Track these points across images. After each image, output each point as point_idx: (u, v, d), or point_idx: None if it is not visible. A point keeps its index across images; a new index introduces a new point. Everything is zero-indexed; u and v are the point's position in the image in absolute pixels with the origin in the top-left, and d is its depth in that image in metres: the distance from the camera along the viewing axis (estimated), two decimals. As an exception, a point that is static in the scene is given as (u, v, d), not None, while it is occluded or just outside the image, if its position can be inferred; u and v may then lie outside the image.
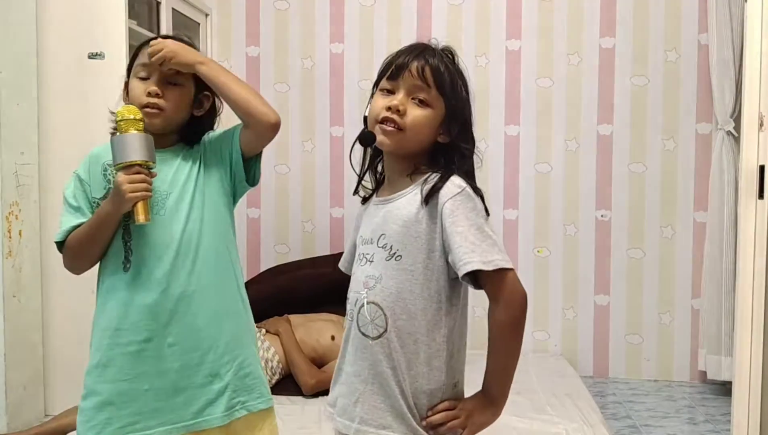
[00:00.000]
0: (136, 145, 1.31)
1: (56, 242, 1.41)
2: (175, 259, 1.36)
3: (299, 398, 2.57)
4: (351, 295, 1.24)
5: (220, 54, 3.63)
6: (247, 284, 3.20)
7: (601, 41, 3.41)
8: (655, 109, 3.38)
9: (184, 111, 1.43)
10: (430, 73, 1.18)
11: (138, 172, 1.31)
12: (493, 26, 3.47)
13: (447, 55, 1.23)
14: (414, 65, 1.18)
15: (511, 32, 3.47)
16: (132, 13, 2.75)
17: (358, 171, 1.29)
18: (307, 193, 3.63)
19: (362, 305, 1.19)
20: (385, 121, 1.17)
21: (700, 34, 3.32)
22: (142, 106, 1.35)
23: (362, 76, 3.55)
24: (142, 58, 1.40)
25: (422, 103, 1.18)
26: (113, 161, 1.33)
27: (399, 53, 1.22)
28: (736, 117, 3.14)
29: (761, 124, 2.01)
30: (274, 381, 2.64)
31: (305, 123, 3.61)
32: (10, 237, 2.49)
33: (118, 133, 1.32)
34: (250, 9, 3.62)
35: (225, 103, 1.43)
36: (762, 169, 2.01)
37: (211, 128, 1.51)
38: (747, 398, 2.04)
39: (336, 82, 3.58)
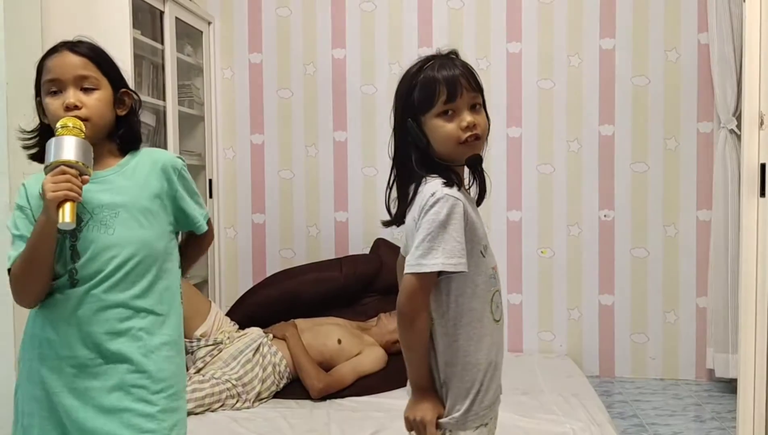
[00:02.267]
0: (65, 146, 1.25)
1: (8, 271, 1.35)
2: (122, 278, 1.33)
3: (307, 402, 2.59)
4: (496, 294, 1.34)
5: (222, 62, 3.66)
6: (254, 289, 3.27)
7: (601, 42, 3.43)
8: (656, 108, 3.40)
9: (107, 114, 1.37)
10: (474, 81, 1.31)
11: (63, 172, 1.24)
12: (494, 29, 3.49)
13: (458, 57, 1.35)
14: (463, 81, 1.28)
15: (511, 35, 3.49)
16: (136, 22, 2.78)
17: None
18: (311, 198, 3.65)
19: (498, 294, 1.35)
20: (468, 139, 1.29)
21: (700, 33, 3.33)
22: None
23: (364, 80, 3.57)
24: (48, 73, 1.35)
25: (479, 108, 1.32)
26: (44, 164, 1.27)
27: (435, 72, 1.29)
28: (739, 115, 3.16)
29: (761, 123, 2.02)
30: (282, 385, 2.66)
31: (308, 128, 3.63)
32: (18, 246, 2.51)
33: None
34: (252, 16, 3.65)
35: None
36: (763, 167, 2.02)
37: (138, 125, 1.44)
38: (752, 395, 2.05)
39: (338, 87, 3.60)
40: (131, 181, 1.38)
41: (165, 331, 1.39)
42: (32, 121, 2.52)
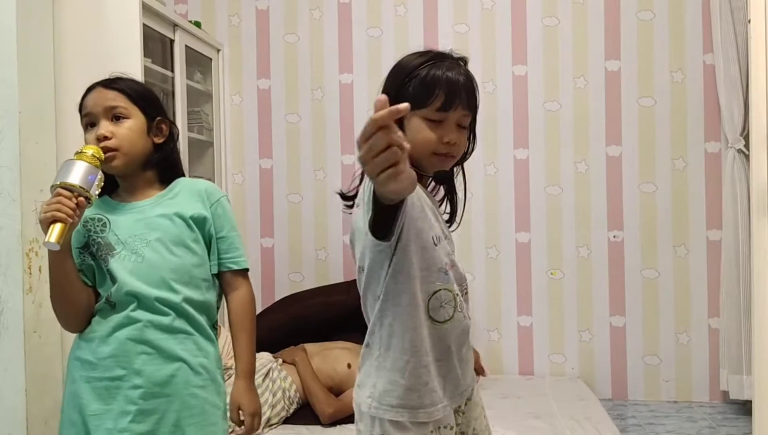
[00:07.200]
0: (69, 170, 1.29)
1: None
2: (151, 303, 1.37)
3: (317, 427, 2.57)
4: (455, 286, 1.24)
5: (231, 88, 3.70)
6: (263, 314, 3.27)
7: (606, 64, 3.45)
8: (663, 129, 3.40)
9: (140, 142, 1.42)
10: (473, 99, 1.25)
11: (58, 194, 1.28)
12: (499, 52, 3.52)
13: (466, 66, 1.29)
14: (463, 95, 1.21)
15: (517, 58, 3.51)
16: (146, 51, 2.82)
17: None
18: (319, 222, 3.66)
19: (465, 293, 1.29)
20: (443, 153, 1.23)
21: (705, 54, 3.35)
22: None
23: (371, 105, 3.59)
24: (84, 110, 1.41)
25: (463, 128, 1.25)
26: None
27: (440, 73, 1.21)
28: (746, 135, 3.16)
29: (770, 143, 2.02)
30: (291, 410, 2.64)
31: (316, 152, 3.66)
32: (30, 273, 2.52)
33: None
34: (260, 43, 3.69)
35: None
36: (772, 187, 2.01)
37: (176, 153, 1.50)
38: (768, 418, 2.02)
39: (346, 111, 3.63)
40: (168, 211, 1.42)
41: (200, 356, 1.43)
42: (44, 150, 2.55)
